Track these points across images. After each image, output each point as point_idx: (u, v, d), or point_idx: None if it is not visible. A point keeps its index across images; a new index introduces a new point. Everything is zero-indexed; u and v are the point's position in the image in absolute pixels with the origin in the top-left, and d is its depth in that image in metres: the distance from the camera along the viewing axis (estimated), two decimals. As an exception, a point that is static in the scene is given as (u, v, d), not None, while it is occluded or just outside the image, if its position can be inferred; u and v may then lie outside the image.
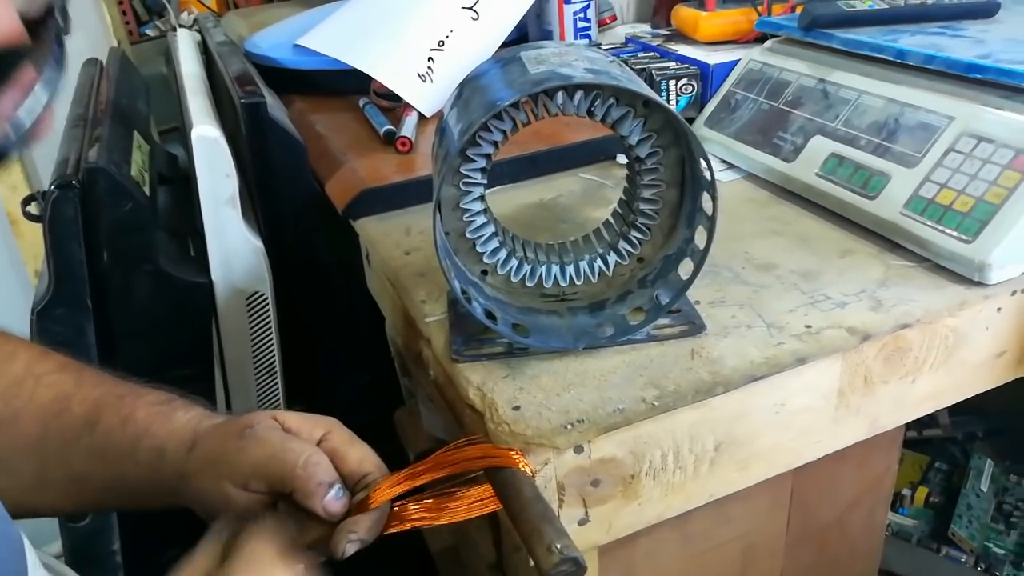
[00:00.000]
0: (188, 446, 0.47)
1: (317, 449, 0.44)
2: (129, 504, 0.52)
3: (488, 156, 0.45)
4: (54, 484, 0.49)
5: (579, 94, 0.43)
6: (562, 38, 0.91)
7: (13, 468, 0.48)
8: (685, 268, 0.47)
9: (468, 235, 0.47)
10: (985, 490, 0.87)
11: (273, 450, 0.43)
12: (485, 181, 0.46)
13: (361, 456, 0.45)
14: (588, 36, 0.92)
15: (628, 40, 0.89)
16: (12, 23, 0.32)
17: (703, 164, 0.43)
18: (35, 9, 0.34)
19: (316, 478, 0.42)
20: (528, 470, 0.41)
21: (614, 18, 0.98)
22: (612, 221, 0.51)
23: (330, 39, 0.87)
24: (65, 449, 0.48)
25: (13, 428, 0.48)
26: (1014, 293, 0.52)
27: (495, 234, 0.48)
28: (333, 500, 0.42)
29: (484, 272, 0.49)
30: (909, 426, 0.65)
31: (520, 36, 0.94)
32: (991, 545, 0.84)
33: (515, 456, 0.41)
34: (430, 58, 0.80)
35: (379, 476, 0.44)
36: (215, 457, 0.45)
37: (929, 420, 0.95)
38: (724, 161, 0.72)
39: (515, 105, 0.42)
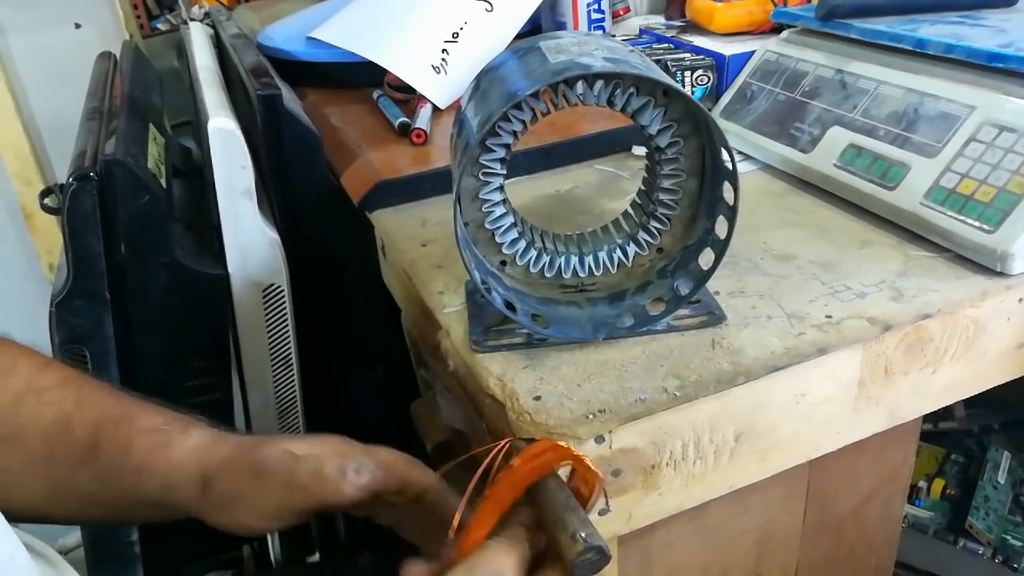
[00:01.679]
0: (199, 485, 0.47)
1: (326, 453, 0.46)
2: (144, 520, 0.53)
3: (508, 146, 0.45)
4: (66, 501, 0.49)
5: (599, 83, 0.43)
6: (575, 30, 0.91)
7: (23, 484, 0.48)
8: (705, 258, 0.47)
9: (487, 226, 0.47)
10: (1002, 482, 0.87)
11: (290, 478, 0.45)
12: (504, 171, 0.46)
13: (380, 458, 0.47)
14: (602, 28, 0.92)
15: (642, 32, 0.89)
16: None
17: (725, 153, 0.43)
18: None
19: (338, 474, 0.45)
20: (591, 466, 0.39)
21: (628, 10, 0.98)
22: (631, 211, 0.51)
23: (343, 31, 0.87)
24: (72, 472, 0.48)
25: (18, 446, 0.48)
26: (1036, 283, 0.51)
27: (514, 224, 0.48)
28: (354, 476, 0.45)
29: (503, 263, 0.49)
30: (925, 418, 0.64)
31: (534, 28, 0.94)
32: (1009, 537, 0.83)
33: (581, 456, 0.39)
34: (444, 50, 0.80)
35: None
36: (233, 498, 0.46)
37: (945, 413, 0.95)
38: (740, 152, 0.71)
39: (535, 95, 0.42)
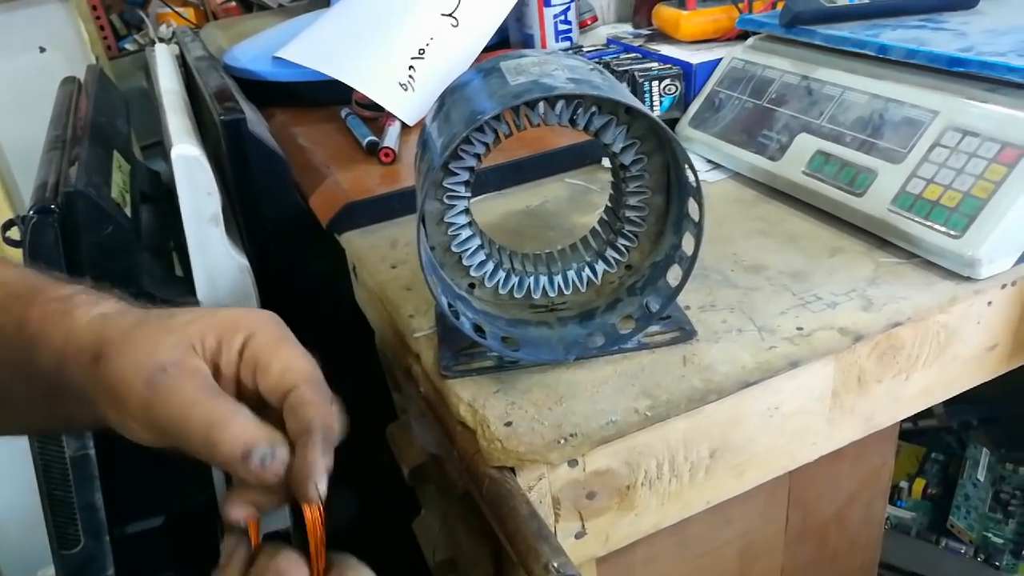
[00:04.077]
0: (90, 360, 0.38)
1: (227, 409, 0.36)
2: (59, 422, 0.45)
3: (471, 169, 0.45)
4: None
5: (560, 103, 0.42)
6: (543, 41, 0.90)
7: None
8: (674, 274, 0.47)
9: (454, 249, 0.47)
10: (982, 480, 0.87)
11: (183, 414, 0.36)
12: (469, 194, 0.46)
13: (283, 367, 0.39)
14: (569, 38, 0.91)
15: (610, 41, 0.89)
16: None
17: (688, 170, 0.43)
18: None
19: (228, 451, 0.35)
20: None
21: (595, 19, 0.98)
22: (599, 229, 0.51)
23: (310, 50, 0.87)
24: None
25: None
26: (1004, 287, 0.51)
27: (481, 246, 0.48)
28: (259, 468, 0.35)
29: (471, 285, 0.48)
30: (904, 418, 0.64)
31: (501, 40, 0.94)
32: (990, 535, 0.83)
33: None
34: (411, 66, 0.79)
35: (305, 390, 0.38)
36: (121, 396, 0.37)
37: (924, 410, 0.95)
38: (710, 161, 0.71)
39: (496, 117, 0.42)
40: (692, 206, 0.44)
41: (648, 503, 0.46)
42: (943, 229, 0.51)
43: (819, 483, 0.67)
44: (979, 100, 0.53)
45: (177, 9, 1.71)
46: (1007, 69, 0.52)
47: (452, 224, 0.46)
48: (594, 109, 0.43)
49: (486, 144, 0.43)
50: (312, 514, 0.37)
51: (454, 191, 0.45)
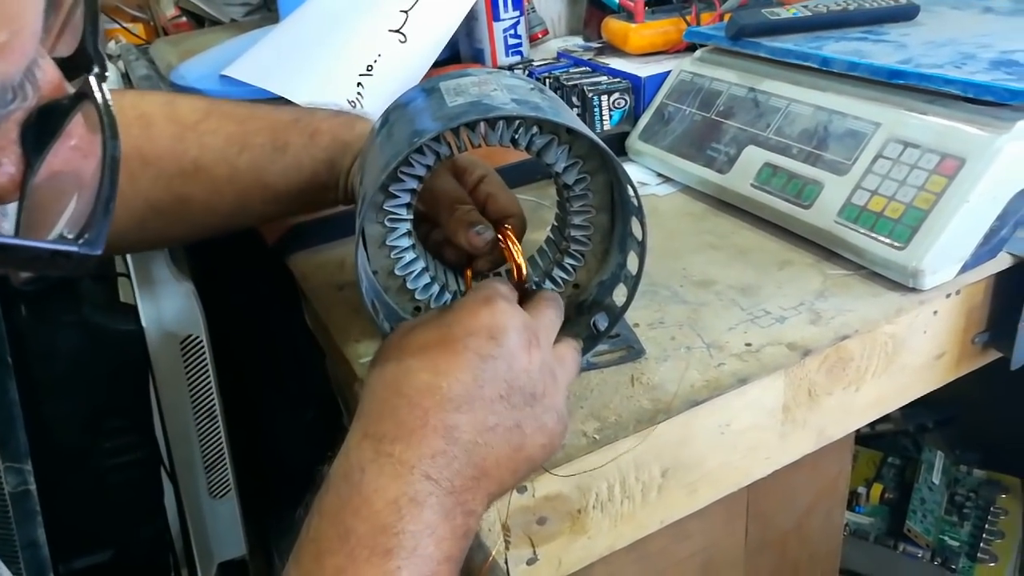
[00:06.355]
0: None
1: (468, 202, 0.49)
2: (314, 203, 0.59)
3: (412, 191, 0.44)
4: (253, 206, 0.57)
5: (501, 124, 0.42)
6: (493, 56, 0.90)
7: (213, 207, 0.56)
8: (620, 293, 0.47)
9: (397, 272, 0.46)
10: (937, 483, 0.88)
11: (432, 187, 0.48)
12: (411, 216, 0.45)
13: (508, 200, 0.50)
14: (520, 53, 0.91)
15: (560, 55, 0.88)
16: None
17: (630, 190, 0.42)
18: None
19: (461, 219, 0.47)
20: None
21: (546, 32, 0.98)
22: (546, 248, 0.50)
23: (256, 68, 0.85)
24: (259, 175, 0.55)
25: (199, 177, 0.54)
26: (948, 296, 0.52)
27: (426, 269, 0.47)
28: (474, 234, 0.46)
29: (417, 309, 0.48)
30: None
31: (452, 55, 0.93)
32: (946, 538, 0.84)
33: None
34: (359, 83, 0.78)
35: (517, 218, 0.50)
36: None
37: (880, 415, 0.96)
38: (660, 174, 0.71)
39: (437, 138, 0.41)
40: (635, 226, 0.44)
41: (600, 526, 0.45)
42: (887, 240, 0.51)
43: (777, 495, 0.67)
44: (919, 112, 0.54)
45: (126, 25, 1.67)
46: (944, 81, 0.53)
47: (395, 247, 0.45)
48: (535, 129, 0.43)
49: (426, 166, 0.43)
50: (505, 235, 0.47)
51: (395, 214, 0.44)
